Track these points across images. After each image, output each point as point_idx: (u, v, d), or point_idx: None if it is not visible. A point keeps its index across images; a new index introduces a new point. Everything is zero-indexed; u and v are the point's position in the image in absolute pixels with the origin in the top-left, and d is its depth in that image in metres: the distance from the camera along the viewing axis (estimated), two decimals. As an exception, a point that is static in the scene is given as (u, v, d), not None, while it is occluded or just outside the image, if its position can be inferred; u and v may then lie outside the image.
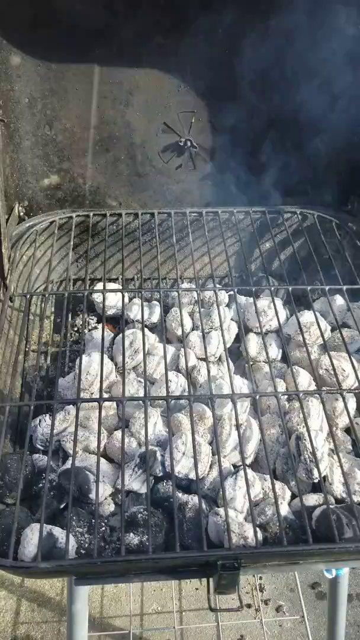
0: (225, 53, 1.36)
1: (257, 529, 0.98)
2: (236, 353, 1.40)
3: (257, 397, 1.16)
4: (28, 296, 1.31)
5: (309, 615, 1.82)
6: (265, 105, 1.44)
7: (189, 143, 1.49)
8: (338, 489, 1.10)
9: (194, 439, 1.07)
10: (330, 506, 1.00)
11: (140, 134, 1.47)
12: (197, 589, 1.97)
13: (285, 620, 1.87)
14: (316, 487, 1.14)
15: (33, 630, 1.86)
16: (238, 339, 1.43)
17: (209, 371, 1.20)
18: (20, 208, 1.49)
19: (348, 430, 1.23)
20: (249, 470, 1.09)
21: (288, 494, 1.11)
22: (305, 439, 1.11)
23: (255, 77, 1.39)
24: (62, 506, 1.10)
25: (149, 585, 1.97)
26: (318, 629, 1.83)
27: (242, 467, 1.13)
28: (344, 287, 1.35)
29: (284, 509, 1.06)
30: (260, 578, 1.97)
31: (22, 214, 1.50)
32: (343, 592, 1.35)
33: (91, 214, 1.51)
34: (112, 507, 1.11)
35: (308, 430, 1.09)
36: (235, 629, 1.85)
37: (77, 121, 1.43)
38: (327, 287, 1.36)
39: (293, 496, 1.12)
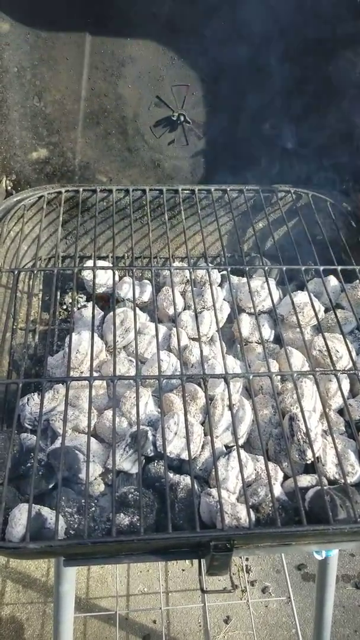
0: (221, 24, 1.32)
1: (250, 509, 0.96)
2: (228, 333, 1.38)
3: (251, 377, 1.14)
4: (16, 272, 1.27)
5: (295, 596, 1.83)
6: (262, 80, 1.40)
7: (182, 118, 1.46)
8: (331, 470, 1.09)
9: (186, 419, 1.05)
10: (324, 487, 0.99)
11: (132, 107, 1.43)
12: (183, 570, 1.97)
13: (271, 601, 1.88)
14: (309, 468, 1.13)
15: (18, 611, 1.84)
16: (230, 319, 1.41)
17: (201, 351, 1.17)
18: (7, 182, 1.44)
19: (341, 412, 1.22)
20: (241, 451, 1.07)
21: (280, 474, 1.10)
22: (298, 420, 1.10)
23: (253, 49, 1.35)
24: (50, 486, 1.07)
25: (135, 567, 1.96)
26: (304, 610, 1.84)
27: (234, 447, 1.12)
28: (339, 268, 1.33)
29: (277, 490, 1.05)
30: (247, 559, 1.98)
31: (9, 188, 1.45)
32: (332, 574, 1.35)
33: (81, 190, 1.47)
34: (102, 487, 1.09)
35: (302, 411, 1.07)
36: (222, 609, 1.86)
37: (67, 92, 1.39)
38: (321, 268, 1.34)
39: (285, 477, 1.11)
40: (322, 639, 1.45)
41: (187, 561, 2.02)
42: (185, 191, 1.50)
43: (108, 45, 1.33)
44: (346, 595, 1.91)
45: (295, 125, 1.47)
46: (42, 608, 1.88)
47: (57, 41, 1.31)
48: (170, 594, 1.92)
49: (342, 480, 1.03)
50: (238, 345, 1.38)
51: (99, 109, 1.42)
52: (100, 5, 1.26)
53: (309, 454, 1.07)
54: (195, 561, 1.88)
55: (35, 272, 1.27)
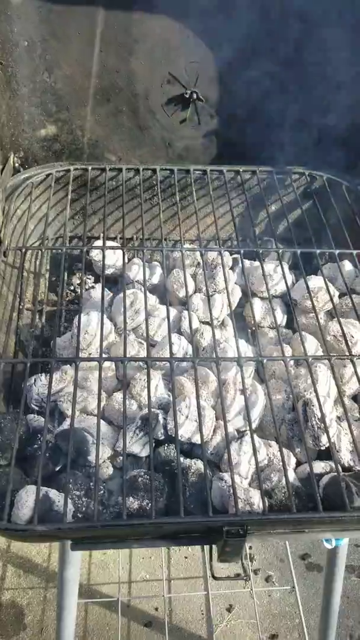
0: (238, 2, 1.28)
1: (263, 495, 0.94)
2: (239, 318, 1.35)
3: (265, 361, 1.11)
4: (23, 251, 1.24)
5: (299, 586, 1.81)
6: (278, 58, 1.37)
7: (194, 96, 1.42)
8: (345, 456, 1.06)
9: (198, 402, 1.02)
10: (340, 474, 0.96)
11: (143, 84, 1.39)
12: (186, 557, 1.95)
13: (274, 590, 1.86)
14: (322, 455, 1.11)
15: (19, 596, 1.83)
16: (241, 303, 1.38)
17: (213, 334, 1.15)
18: (15, 159, 1.41)
19: (355, 398, 1.19)
20: (254, 436, 1.04)
21: (293, 460, 1.08)
22: (313, 405, 1.07)
23: (270, 28, 1.31)
24: (58, 468, 1.05)
25: (137, 553, 1.95)
26: (307, 600, 1.83)
27: (246, 432, 1.09)
28: (354, 252, 1.30)
29: (290, 476, 1.02)
30: (250, 548, 1.96)
31: (17, 165, 1.42)
32: (341, 563, 1.33)
33: (90, 168, 1.43)
34: (110, 471, 1.07)
35: (317, 396, 1.05)
36: (225, 598, 1.84)
37: (78, 68, 1.35)
38: (336, 252, 1.31)
39: (298, 464, 1.09)
40: (329, 629, 1.43)
41: (190, 549, 2.00)
42: (196, 171, 1.46)
43: (121, 20, 1.29)
44: (350, 586, 1.90)
45: (312, 106, 1.43)
46: (43, 593, 1.86)
47: (69, 15, 1.27)
48: (172, 582, 1.90)
49: (358, 468, 1.00)
50: (249, 330, 1.36)
51: (110, 86, 1.38)
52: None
53: (324, 439, 1.04)
54: (200, 548, 1.86)
55: (42, 251, 1.24)
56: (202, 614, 1.81)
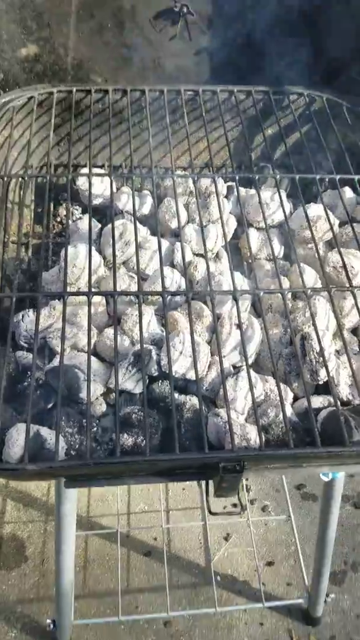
0: None
1: (260, 430, 0.92)
2: (234, 249, 1.30)
3: (261, 294, 1.07)
4: (5, 179, 1.16)
5: (294, 515, 1.84)
6: None
7: (185, 9, 1.31)
8: (344, 390, 1.04)
9: (192, 337, 0.98)
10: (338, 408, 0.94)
11: (129, -4, 1.28)
12: (184, 489, 1.98)
13: (270, 519, 1.89)
14: (319, 389, 1.08)
15: (19, 529, 1.85)
16: (236, 235, 1.32)
17: (208, 266, 1.09)
18: (-6, 80, 1.31)
19: (355, 331, 1.16)
20: (250, 371, 1.01)
21: (290, 395, 1.05)
22: (311, 339, 1.04)
23: None
24: (49, 406, 1.02)
25: (135, 486, 1.97)
26: (302, 528, 1.86)
27: (242, 367, 1.06)
28: (356, 177, 1.24)
29: (288, 411, 1.00)
30: (247, 479, 1.98)
31: (-4, 87, 1.32)
32: (337, 495, 1.34)
33: (74, 90, 1.34)
34: (103, 407, 1.04)
35: (316, 330, 1.01)
36: (222, 527, 1.87)
37: (58, -22, 1.24)
38: (337, 177, 1.24)
39: (295, 398, 1.06)
40: (325, 557, 1.46)
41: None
42: (188, 92, 1.37)
43: None
44: (345, 515, 1.93)
45: (310, 21, 1.32)
46: (43, 526, 1.88)
47: None
48: (171, 512, 1.93)
49: (357, 401, 0.98)
50: (245, 262, 1.30)
51: (93, -2, 1.27)
52: None
53: (323, 374, 1.01)
54: (199, 482, 1.87)
55: (26, 179, 1.17)
56: (200, 543, 1.85)
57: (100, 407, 1.04)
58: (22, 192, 1.31)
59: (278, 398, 1.00)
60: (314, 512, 1.90)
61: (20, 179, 1.28)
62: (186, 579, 1.76)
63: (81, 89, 1.34)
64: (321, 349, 1.00)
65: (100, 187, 1.29)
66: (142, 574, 1.77)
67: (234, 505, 1.88)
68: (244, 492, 1.96)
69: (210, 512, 0.94)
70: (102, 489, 1.96)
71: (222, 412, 0.98)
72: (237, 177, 1.24)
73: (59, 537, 1.24)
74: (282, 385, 1.03)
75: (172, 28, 1.35)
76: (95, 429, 0.99)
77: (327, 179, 1.29)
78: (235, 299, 1.05)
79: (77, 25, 1.31)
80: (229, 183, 1.34)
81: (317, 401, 1.03)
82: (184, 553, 1.82)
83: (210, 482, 0.93)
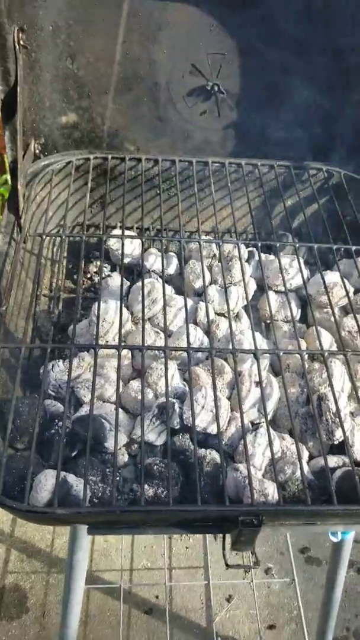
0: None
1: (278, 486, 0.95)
2: (253, 310, 1.36)
3: (281, 354, 1.12)
4: (44, 237, 1.24)
5: (298, 579, 1.83)
6: (301, 52, 1.37)
7: (216, 88, 1.42)
8: (359, 451, 1.08)
9: (215, 392, 1.03)
10: (353, 468, 0.98)
11: (165, 74, 1.39)
12: (187, 548, 1.97)
13: (274, 582, 1.88)
14: (334, 450, 1.12)
15: (22, 580, 1.84)
16: (255, 296, 1.39)
17: (230, 325, 1.15)
18: (36, 145, 1.41)
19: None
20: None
21: (306, 454, 1.09)
22: (328, 400, 1.08)
23: (296, 22, 1.31)
24: (74, 454, 1.06)
25: (139, 542, 1.97)
26: (305, 592, 1.85)
27: (261, 424, 1.10)
28: (371, 249, 1.31)
29: (304, 469, 1.04)
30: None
31: (37, 151, 1.42)
32: (345, 556, 1.35)
33: (109, 157, 1.43)
34: (125, 458, 1.08)
35: (332, 391, 1.06)
36: (224, 588, 1.86)
37: (101, 55, 1.34)
38: (353, 248, 1.32)
39: (310, 457, 1.10)
40: (329, 621, 1.45)
41: (191, 539, 2.02)
42: (215, 164, 1.47)
43: (147, 7, 1.29)
44: (348, 580, 1.91)
45: (332, 103, 1.43)
46: (46, 578, 1.87)
47: (95, 1, 1.26)
48: (173, 571, 1.92)
49: (371, 462, 1.02)
50: (263, 323, 1.36)
51: (132, 74, 1.38)
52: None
53: (338, 434, 1.06)
54: (199, 538, 1.88)
55: (62, 238, 1.25)
56: (202, 603, 1.83)
57: (123, 457, 1.07)
58: (56, 249, 1.39)
59: (294, 456, 1.04)
60: (317, 576, 1.89)
61: (56, 237, 1.36)
62: (187, 639, 1.74)
63: (116, 156, 1.44)
64: (337, 409, 1.04)
65: (129, 247, 1.36)
66: (143, 632, 1.75)
67: (238, 566, 1.88)
68: (248, 553, 1.95)
69: (226, 565, 0.96)
70: (105, 543, 1.96)
71: (241, 466, 1.02)
72: (258, 244, 1.32)
73: (68, 587, 1.25)
74: (299, 444, 1.07)
75: (203, 104, 1.45)
76: (117, 478, 1.02)
77: (342, 249, 1.37)
78: (257, 358, 1.10)
79: (115, 97, 1.42)
80: (250, 248, 1.42)
81: (332, 460, 1.06)
82: (185, 612, 1.80)
83: (227, 535, 0.95)
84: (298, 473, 1.02)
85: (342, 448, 1.07)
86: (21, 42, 1.21)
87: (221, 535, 0.97)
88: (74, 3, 1.26)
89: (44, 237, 1.23)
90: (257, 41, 1.36)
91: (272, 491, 0.97)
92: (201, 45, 1.36)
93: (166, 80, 1.40)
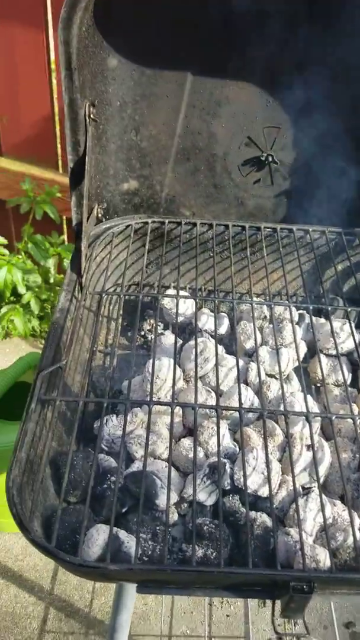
0: (318, 72, 1.35)
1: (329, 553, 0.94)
2: (304, 373, 1.37)
3: (334, 417, 1.12)
4: (103, 295, 1.30)
5: (344, 655, 1.75)
6: (352, 130, 1.43)
7: (270, 158, 1.48)
8: None
9: (267, 455, 1.03)
10: None
11: (222, 146, 1.47)
12: (228, 616, 1.92)
13: (318, 658, 1.80)
14: (387, 518, 1.10)
15: (59, 640, 1.82)
16: (305, 359, 1.40)
17: (282, 386, 1.17)
18: (99, 210, 1.49)
19: None
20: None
21: (358, 521, 1.07)
22: (381, 466, 1.07)
23: (347, 97, 1.38)
24: (124, 510, 1.07)
25: (178, 608, 1.92)
26: (353, 671, 1.76)
27: (312, 488, 1.09)
28: None
29: (357, 536, 1.02)
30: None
31: (100, 215, 1.50)
32: None
33: (167, 222, 1.50)
34: (175, 517, 1.08)
35: (386, 457, 1.05)
36: (267, 661, 1.79)
37: (163, 128, 1.43)
38: None
39: (362, 525, 1.08)
40: None
41: (232, 607, 1.97)
42: (267, 229, 1.52)
43: (207, 85, 1.38)
44: None
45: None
46: (83, 639, 1.84)
47: (160, 79, 1.36)
48: (213, 639, 1.86)
49: None
50: (314, 386, 1.37)
51: (191, 146, 1.46)
52: (205, 47, 1.32)
53: (392, 502, 1.04)
54: (240, 606, 1.82)
55: (120, 296, 1.30)
56: (243, 675, 1.76)
57: (173, 516, 1.08)
58: (111, 307, 1.44)
59: (346, 522, 1.03)
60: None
61: (113, 295, 1.42)
62: None
63: (173, 220, 1.50)
64: (391, 477, 1.03)
65: (182, 307, 1.41)
66: None
67: (280, 639, 1.80)
68: (292, 626, 1.88)
69: (276, 633, 0.94)
70: (144, 607, 1.92)
71: (292, 531, 1.01)
72: (310, 307, 1.34)
73: (111, 649, 1.23)
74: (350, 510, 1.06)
75: (256, 173, 1.52)
76: (168, 537, 1.02)
77: (394, 315, 1.37)
78: (308, 421, 1.10)
79: (174, 166, 1.49)
80: (301, 311, 1.44)
81: (385, 530, 1.04)
82: None
83: (277, 602, 0.93)
84: (350, 540, 1.00)
85: (395, 517, 1.05)
86: (91, 116, 1.30)
87: (268, 601, 0.95)
88: (140, 80, 1.36)
89: (103, 295, 1.28)
90: (309, 117, 1.42)
91: (324, 557, 0.95)
92: (257, 119, 1.44)
93: (223, 151, 1.48)
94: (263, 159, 1.48)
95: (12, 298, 2.56)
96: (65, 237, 2.67)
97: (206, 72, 1.36)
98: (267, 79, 1.38)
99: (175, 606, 1.93)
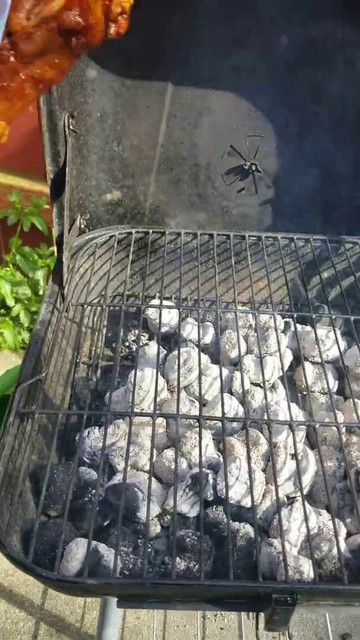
0: (301, 81, 1.36)
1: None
2: (289, 381, 1.36)
3: (317, 425, 1.11)
4: (85, 306, 1.29)
5: (340, 668, 1.73)
6: (334, 140, 1.43)
7: (253, 167, 1.48)
8: None
9: (249, 464, 1.02)
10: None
11: (205, 155, 1.47)
12: (222, 628, 1.89)
13: (313, 671, 1.78)
14: (373, 527, 1.08)
15: (50, 656, 1.79)
16: (291, 367, 1.39)
17: (265, 396, 1.16)
18: (82, 220, 1.48)
19: None
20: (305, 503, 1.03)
21: (344, 531, 1.06)
22: (366, 474, 1.06)
23: (334, 104, 1.39)
24: (106, 523, 1.05)
25: (171, 621, 1.90)
26: None
27: (297, 498, 1.08)
28: None
29: (341, 546, 1.00)
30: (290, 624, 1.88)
31: (82, 226, 1.49)
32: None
33: (150, 231, 1.50)
34: (157, 529, 1.07)
35: (370, 465, 1.04)
36: (261, 675, 1.76)
37: (145, 139, 1.43)
38: (390, 320, 1.32)
39: (348, 534, 1.06)
40: None
41: (225, 619, 1.94)
42: (252, 237, 1.51)
43: (188, 95, 1.38)
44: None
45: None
46: (75, 655, 1.82)
47: (140, 89, 1.36)
48: (207, 653, 1.84)
49: None
50: (299, 394, 1.36)
51: (174, 156, 1.46)
52: (185, 57, 1.32)
53: (377, 510, 1.02)
54: (234, 619, 1.80)
55: (103, 307, 1.29)
56: None
57: (155, 529, 1.06)
58: (96, 318, 1.44)
59: (331, 532, 1.02)
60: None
61: (97, 307, 1.41)
62: None
63: (157, 230, 1.50)
64: (376, 485, 1.02)
65: (167, 317, 1.40)
66: None
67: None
68: (286, 638, 1.85)
69: (260, 647, 0.92)
70: (137, 620, 1.90)
71: (275, 542, 1.00)
72: (294, 315, 1.33)
73: (97, 665, 1.21)
74: (335, 520, 1.04)
75: (240, 182, 1.51)
76: (149, 550, 1.01)
77: (380, 322, 1.37)
78: (292, 429, 1.09)
79: (158, 176, 1.49)
80: (286, 319, 1.44)
81: (371, 539, 1.03)
82: None
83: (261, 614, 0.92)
84: (335, 551, 0.99)
85: (381, 526, 1.04)
86: (71, 127, 1.30)
87: (253, 614, 0.93)
88: (120, 91, 1.36)
89: (86, 306, 1.28)
90: (292, 125, 1.42)
91: (307, 569, 0.94)
92: (240, 128, 1.44)
93: (206, 161, 1.48)
94: (246, 167, 1.48)
95: (1, 311, 2.55)
96: (54, 248, 2.67)
97: (187, 82, 1.36)
98: (248, 89, 1.38)
99: (168, 620, 1.90)
